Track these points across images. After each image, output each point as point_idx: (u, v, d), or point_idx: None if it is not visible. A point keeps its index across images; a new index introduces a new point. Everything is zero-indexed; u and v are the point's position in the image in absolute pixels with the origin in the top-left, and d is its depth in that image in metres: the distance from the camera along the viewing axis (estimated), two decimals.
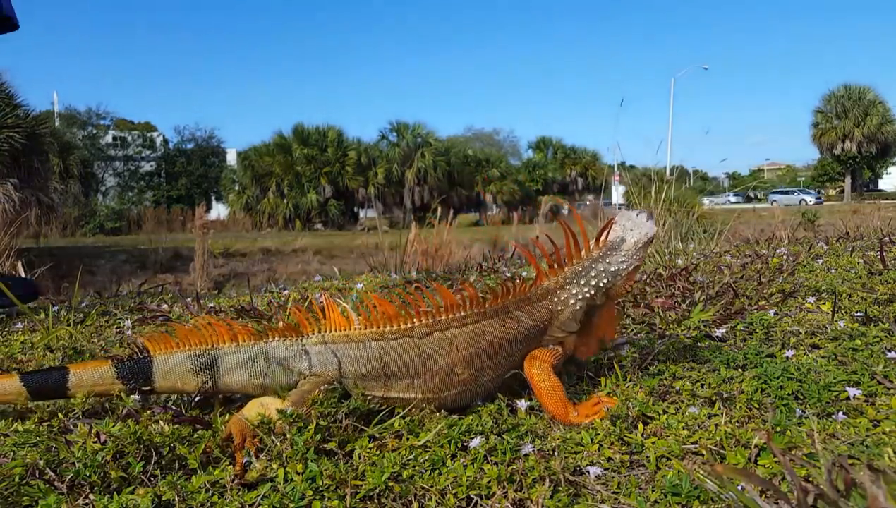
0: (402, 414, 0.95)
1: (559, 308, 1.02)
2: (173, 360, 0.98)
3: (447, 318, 0.97)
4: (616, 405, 0.97)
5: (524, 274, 2.49)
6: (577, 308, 1.02)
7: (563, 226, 1.03)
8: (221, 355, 0.98)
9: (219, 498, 0.74)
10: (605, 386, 1.08)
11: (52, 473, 0.78)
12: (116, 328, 1.73)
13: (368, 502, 0.74)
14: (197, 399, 1.03)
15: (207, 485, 0.77)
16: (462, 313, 0.98)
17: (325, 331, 0.97)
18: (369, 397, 0.95)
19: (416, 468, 0.80)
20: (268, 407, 0.92)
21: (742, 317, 1.54)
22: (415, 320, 0.97)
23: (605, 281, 1.02)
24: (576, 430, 0.92)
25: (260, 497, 0.73)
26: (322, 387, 0.93)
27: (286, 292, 2.28)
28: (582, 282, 1.02)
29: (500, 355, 0.99)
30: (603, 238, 1.03)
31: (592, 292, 1.02)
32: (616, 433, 0.90)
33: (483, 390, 1.00)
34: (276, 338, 0.98)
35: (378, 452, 0.85)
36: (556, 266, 1.03)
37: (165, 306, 2.03)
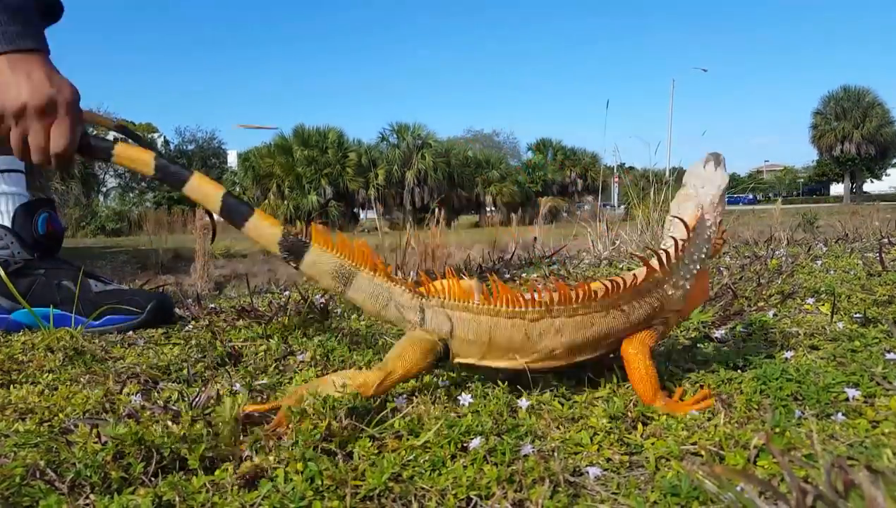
0: (402, 413, 0.95)
1: (670, 292, 1.04)
2: (323, 258, 1.11)
3: (559, 308, 1.02)
4: (711, 405, 0.97)
5: (524, 274, 2.49)
6: (688, 287, 1.05)
7: (678, 226, 1.03)
8: (358, 275, 1.10)
9: (219, 499, 0.74)
10: (605, 387, 1.08)
11: (52, 473, 0.78)
12: (118, 329, 1.73)
13: (368, 502, 0.74)
14: (199, 398, 1.03)
15: (208, 485, 0.77)
16: (574, 305, 1.02)
17: (445, 298, 1.06)
18: (463, 362, 1.06)
19: (416, 468, 0.80)
20: (353, 379, 0.97)
21: (741, 318, 1.54)
22: (529, 305, 1.02)
23: (704, 249, 1.05)
24: (575, 431, 0.93)
25: (260, 498, 0.73)
26: (420, 345, 1.03)
27: (287, 293, 2.28)
28: (688, 263, 1.05)
29: (602, 342, 1.04)
30: (692, 216, 1.04)
31: (698, 266, 1.05)
32: (616, 433, 0.90)
33: (573, 365, 1.06)
34: (402, 287, 1.09)
35: (378, 452, 0.85)
36: (664, 264, 1.03)
37: None
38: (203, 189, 1.17)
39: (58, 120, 1.24)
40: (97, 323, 1.68)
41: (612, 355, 1.08)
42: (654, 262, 1.03)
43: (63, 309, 1.69)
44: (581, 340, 1.02)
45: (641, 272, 1.03)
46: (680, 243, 1.03)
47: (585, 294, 1.01)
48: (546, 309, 1.01)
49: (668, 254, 1.03)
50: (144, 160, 1.17)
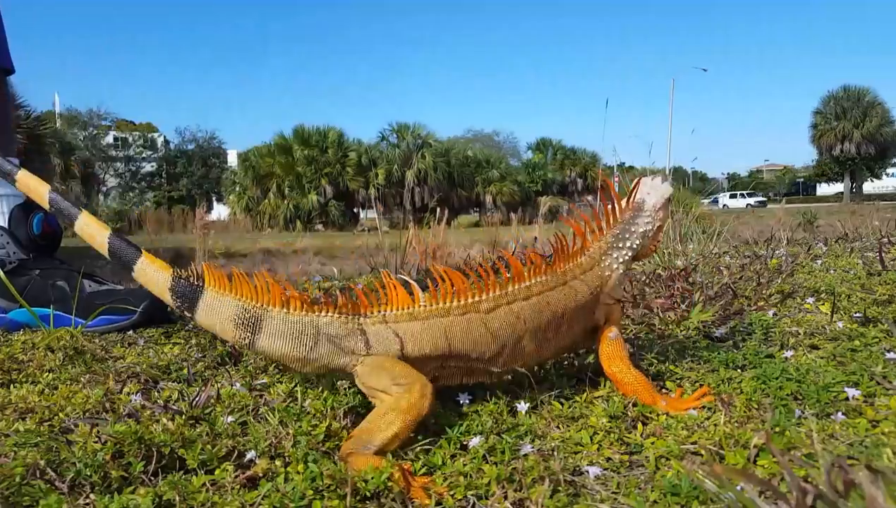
0: None
1: (607, 274, 1.03)
2: (222, 302, 0.96)
3: (513, 290, 0.95)
4: (710, 402, 0.98)
5: None
6: (621, 272, 1.04)
7: (604, 193, 1.06)
8: (268, 316, 0.93)
9: (219, 498, 0.74)
10: (605, 386, 1.08)
11: (52, 473, 0.78)
12: (113, 329, 1.73)
13: (368, 501, 0.74)
14: (199, 398, 1.03)
15: (208, 485, 0.77)
16: (527, 283, 0.97)
17: (387, 310, 0.92)
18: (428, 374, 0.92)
19: (415, 467, 0.80)
20: (395, 408, 0.83)
21: (741, 318, 1.54)
22: (482, 293, 0.94)
23: (637, 242, 1.04)
24: (575, 430, 0.93)
25: (261, 497, 0.73)
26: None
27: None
28: (621, 246, 1.04)
29: (563, 327, 0.99)
30: (632, 200, 1.05)
31: (630, 254, 1.04)
32: (615, 433, 0.90)
33: (543, 362, 1.02)
34: (330, 314, 0.92)
35: None
36: (597, 231, 1.05)
37: None
38: (89, 229, 1.09)
39: None
40: (91, 323, 1.68)
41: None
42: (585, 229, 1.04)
43: (57, 308, 1.69)
44: (542, 325, 0.96)
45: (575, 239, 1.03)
46: (613, 216, 1.04)
47: (537, 267, 0.97)
48: (499, 294, 0.94)
49: (598, 222, 1.05)
50: (40, 192, 1.17)
